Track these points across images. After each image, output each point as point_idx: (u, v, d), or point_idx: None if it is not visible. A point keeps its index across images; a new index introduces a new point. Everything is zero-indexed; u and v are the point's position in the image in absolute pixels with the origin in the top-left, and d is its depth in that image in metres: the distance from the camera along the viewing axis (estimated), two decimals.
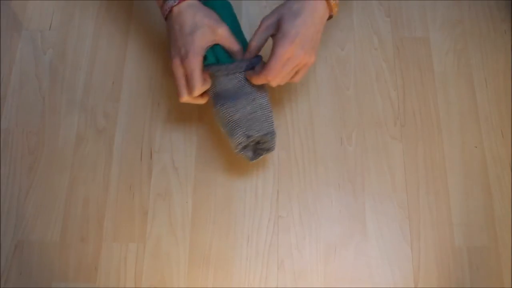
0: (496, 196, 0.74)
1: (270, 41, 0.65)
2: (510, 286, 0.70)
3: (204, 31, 0.64)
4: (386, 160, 0.76)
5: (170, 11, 0.65)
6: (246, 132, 0.66)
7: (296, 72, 0.66)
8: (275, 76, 0.63)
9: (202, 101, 0.68)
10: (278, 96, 0.79)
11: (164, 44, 0.83)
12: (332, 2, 0.63)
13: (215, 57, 0.67)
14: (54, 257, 0.72)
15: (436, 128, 0.77)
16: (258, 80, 0.65)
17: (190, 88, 0.64)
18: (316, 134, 0.77)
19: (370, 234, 0.72)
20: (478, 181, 0.74)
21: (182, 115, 0.78)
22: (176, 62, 0.64)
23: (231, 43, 0.66)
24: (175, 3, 0.64)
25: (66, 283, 0.71)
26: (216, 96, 0.67)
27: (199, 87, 0.64)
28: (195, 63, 0.63)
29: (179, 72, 0.64)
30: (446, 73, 0.80)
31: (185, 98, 0.65)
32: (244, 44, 0.69)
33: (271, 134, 0.68)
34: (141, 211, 0.74)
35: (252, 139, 0.66)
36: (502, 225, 0.72)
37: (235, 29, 0.70)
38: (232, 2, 0.73)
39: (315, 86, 0.80)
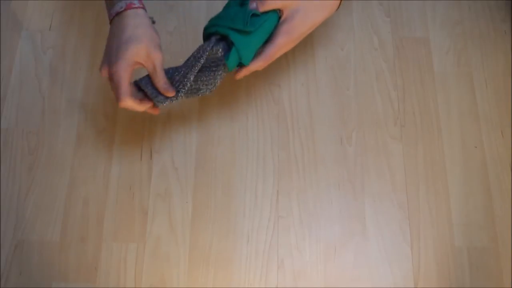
0: (496, 196, 0.74)
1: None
2: (510, 286, 0.70)
3: (140, 47, 0.60)
4: (386, 160, 0.76)
5: (116, 14, 0.62)
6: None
7: None
8: (269, 62, 0.65)
9: (154, 112, 0.67)
10: (278, 96, 0.79)
11: (164, 44, 0.82)
12: None
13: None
14: (54, 257, 0.72)
15: (436, 128, 0.77)
16: (252, 67, 0.65)
17: (117, 97, 0.61)
18: (316, 134, 0.77)
19: (370, 234, 0.72)
20: (478, 181, 0.74)
21: (182, 115, 0.78)
22: (105, 69, 0.61)
23: (157, 74, 0.62)
24: (121, 9, 0.62)
25: (66, 283, 0.71)
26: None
27: (127, 99, 0.60)
28: (123, 73, 0.60)
29: (108, 78, 0.62)
30: (446, 73, 0.80)
31: (123, 104, 0.62)
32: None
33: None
34: (141, 211, 0.74)
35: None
36: (502, 225, 0.72)
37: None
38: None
39: (315, 86, 0.80)
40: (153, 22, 0.64)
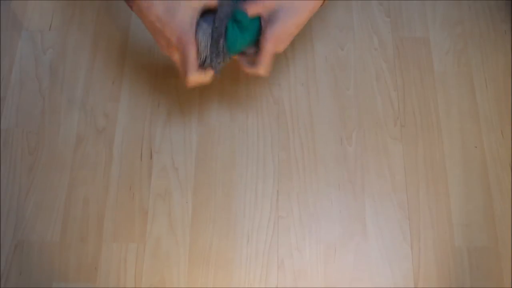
0: (496, 196, 0.74)
1: None
2: (510, 286, 0.70)
3: (184, 5, 0.58)
4: (386, 160, 0.76)
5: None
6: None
7: None
8: (265, 68, 0.64)
9: (207, 78, 0.65)
10: (278, 95, 0.79)
11: None
12: None
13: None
14: (54, 257, 0.72)
15: (436, 128, 0.77)
16: (250, 71, 0.65)
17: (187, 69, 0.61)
18: (316, 134, 0.77)
19: (370, 234, 0.72)
20: (478, 181, 0.75)
21: (182, 115, 0.79)
22: (171, 51, 0.61)
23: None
24: None
25: (66, 283, 0.71)
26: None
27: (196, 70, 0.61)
28: (192, 48, 0.59)
29: (176, 57, 0.61)
30: (446, 73, 0.80)
31: (193, 78, 0.62)
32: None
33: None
34: (141, 211, 0.74)
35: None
36: (502, 225, 0.72)
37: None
38: None
39: (315, 86, 0.80)
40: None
